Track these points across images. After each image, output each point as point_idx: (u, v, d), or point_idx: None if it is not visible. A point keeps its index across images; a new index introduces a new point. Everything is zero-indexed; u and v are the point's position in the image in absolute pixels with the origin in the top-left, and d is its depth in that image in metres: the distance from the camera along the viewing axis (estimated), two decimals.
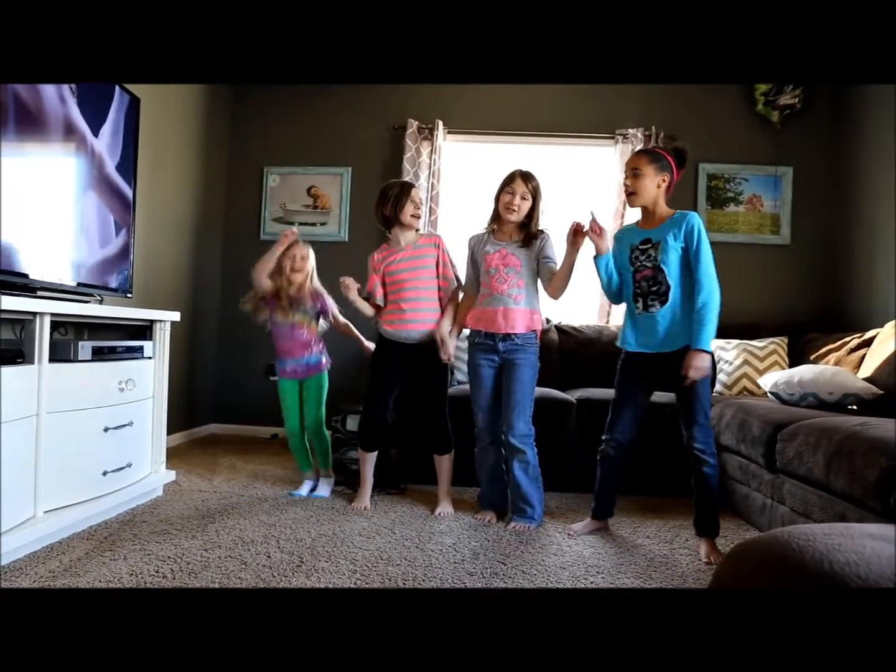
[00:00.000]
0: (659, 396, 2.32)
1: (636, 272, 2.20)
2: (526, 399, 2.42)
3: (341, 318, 2.85)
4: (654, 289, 2.16)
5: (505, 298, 2.42)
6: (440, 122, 4.06)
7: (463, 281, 2.65)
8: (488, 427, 2.50)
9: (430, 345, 2.56)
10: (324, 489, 2.83)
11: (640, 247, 2.19)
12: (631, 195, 2.19)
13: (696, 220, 2.13)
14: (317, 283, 2.81)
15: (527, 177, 2.42)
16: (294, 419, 2.82)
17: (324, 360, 2.82)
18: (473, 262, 2.57)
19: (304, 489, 2.83)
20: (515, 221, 2.43)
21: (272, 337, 2.81)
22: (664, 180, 2.16)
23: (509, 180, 2.43)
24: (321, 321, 2.83)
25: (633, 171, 2.17)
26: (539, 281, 2.47)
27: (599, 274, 2.28)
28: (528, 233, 2.44)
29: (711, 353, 3.43)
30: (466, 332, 2.62)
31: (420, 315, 2.56)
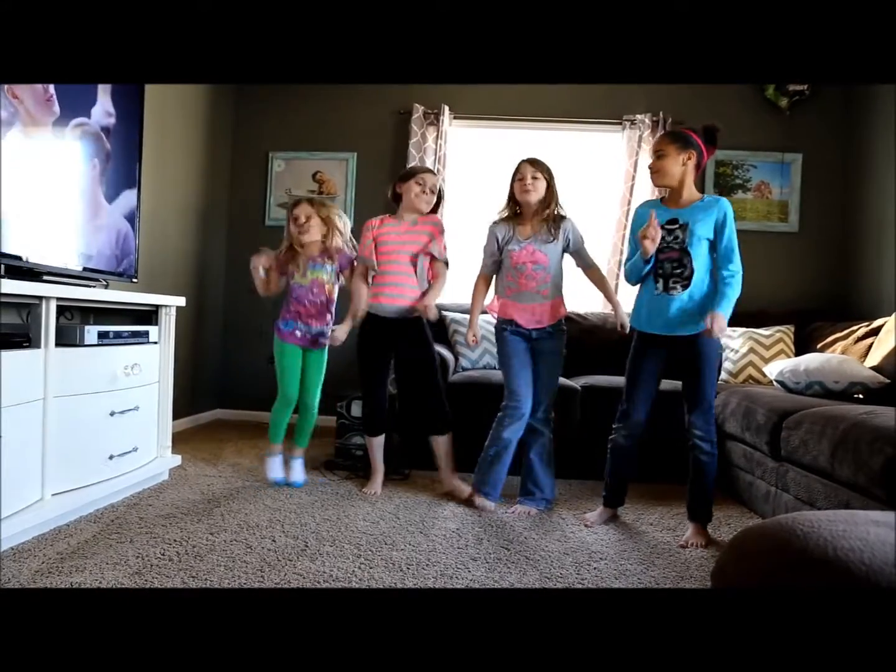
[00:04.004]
0: (666, 384, 2.31)
1: (659, 252, 2.16)
2: (552, 384, 2.48)
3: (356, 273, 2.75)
4: (678, 271, 2.14)
5: (535, 295, 2.44)
6: (446, 108, 4.03)
7: (449, 263, 2.66)
8: (525, 401, 2.42)
9: (412, 321, 2.56)
10: (299, 472, 2.72)
11: (667, 226, 2.16)
12: (655, 174, 2.18)
13: (727, 208, 2.14)
14: (339, 240, 2.71)
15: (532, 161, 2.45)
16: (296, 387, 2.71)
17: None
18: (495, 252, 2.52)
19: (277, 468, 2.70)
20: (534, 201, 2.42)
21: (286, 298, 2.73)
22: (690, 157, 2.13)
23: (516, 170, 2.48)
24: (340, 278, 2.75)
25: (656, 154, 2.17)
26: (574, 265, 2.56)
27: (634, 273, 2.27)
28: (551, 224, 2.45)
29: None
30: (486, 317, 2.67)
31: (402, 290, 2.56)
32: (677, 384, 2.25)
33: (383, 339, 2.59)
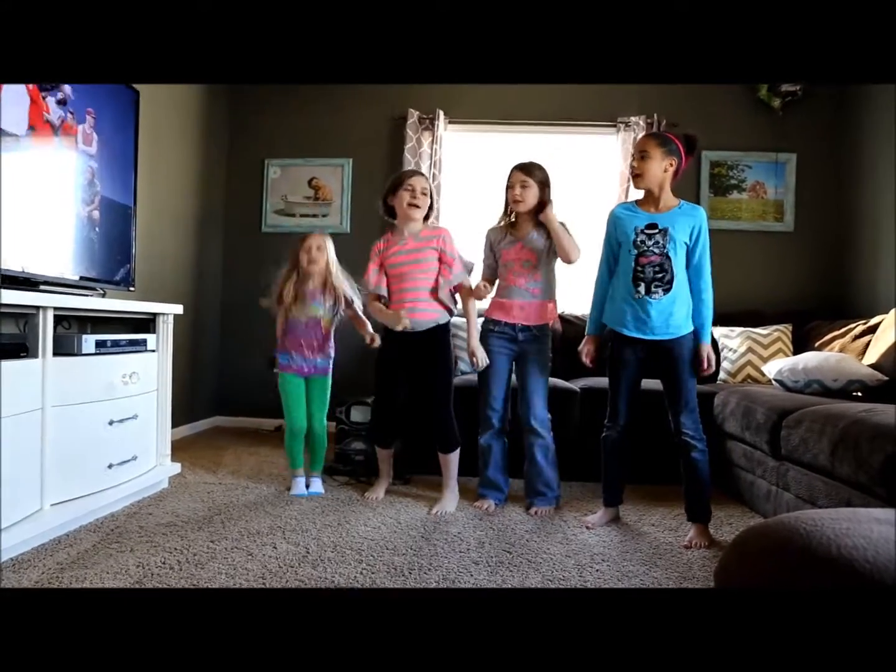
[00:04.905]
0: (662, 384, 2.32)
1: (640, 255, 2.18)
2: (545, 386, 2.54)
3: (358, 309, 2.72)
4: (660, 276, 2.16)
5: (523, 292, 2.50)
6: (441, 112, 4.04)
7: (466, 269, 2.59)
8: (499, 414, 2.55)
9: (432, 337, 2.51)
10: (318, 486, 2.73)
11: (646, 231, 2.18)
12: (637, 176, 2.20)
13: (704, 218, 2.21)
14: (337, 276, 2.69)
15: (521, 167, 2.48)
16: (301, 416, 2.71)
17: (330, 364, 2.75)
18: (490, 255, 2.62)
19: (301, 486, 2.70)
20: (525, 211, 2.48)
21: (281, 328, 2.71)
22: (671, 164, 2.16)
23: (508, 177, 2.51)
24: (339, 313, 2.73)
25: (640, 154, 2.18)
26: (555, 270, 2.57)
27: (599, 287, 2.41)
28: (542, 224, 2.47)
29: (715, 342, 3.47)
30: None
31: (421, 305, 2.50)
32: None
33: (402, 355, 2.53)
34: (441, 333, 2.53)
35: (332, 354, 2.77)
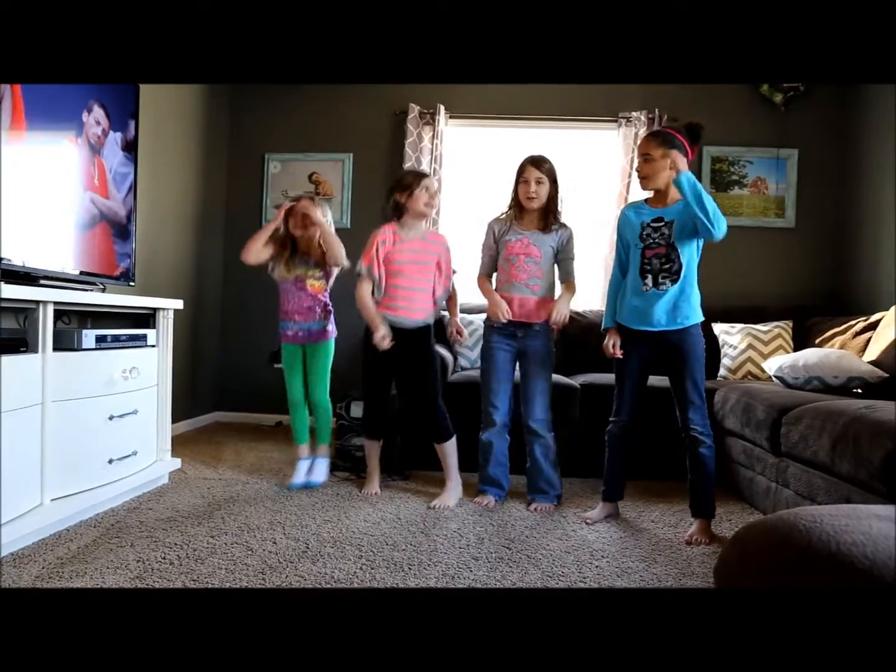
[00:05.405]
0: (664, 380, 2.32)
1: (646, 248, 2.19)
2: (546, 385, 2.52)
3: (336, 268, 2.71)
4: (667, 267, 2.16)
5: (522, 287, 2.49)
6: (442, 107, 4.03)
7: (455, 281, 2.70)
8: (501, 411, 2.54)
9: (419, 332, 2.56)
10: (320, 472, 2.71)
11: (652, 224, 2.19)
12: (643, 179, 2.21)
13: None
14: (328, 238, 2.66)
15: (536, 162, 2.46)
16: (298, 387, 2.73)
17: (329, 327, 2.74)
18: (492, 245, 2.58)
19: (301, 472, 2.70)
20: (538, 208, 2.47)
21: (279, 299, 2.75)
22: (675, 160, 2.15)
23: (521, 170, 2.48)
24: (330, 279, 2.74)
25: (643, 157, 2.18)
26: (554, 270, 2.56)
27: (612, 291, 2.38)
28: (550, 221, 2.49)
29: (715, 338, 3.47)
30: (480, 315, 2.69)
31: (415, 305, 2.54)
32: None
33: (391, 349, 2.52)
34: (427, 331, 2.60)
35: (330, 318, 2.75)
